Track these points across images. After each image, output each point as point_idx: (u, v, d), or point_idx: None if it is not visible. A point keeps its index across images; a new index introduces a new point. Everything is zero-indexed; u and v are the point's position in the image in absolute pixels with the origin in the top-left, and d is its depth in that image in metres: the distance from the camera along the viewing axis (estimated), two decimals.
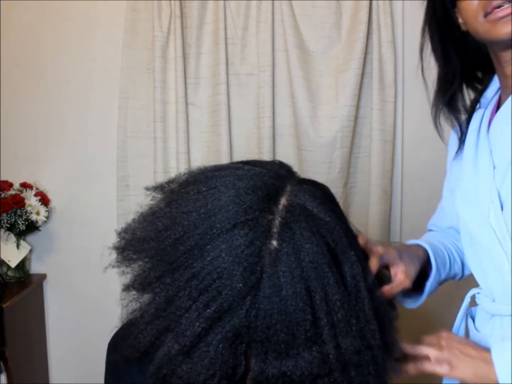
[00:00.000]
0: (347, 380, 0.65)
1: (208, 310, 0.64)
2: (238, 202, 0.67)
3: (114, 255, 0.75)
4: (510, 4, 0.75)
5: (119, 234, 0.75)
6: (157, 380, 0.67)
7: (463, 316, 0.96)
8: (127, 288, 0.72)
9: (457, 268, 1.05)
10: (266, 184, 0.69)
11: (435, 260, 0.97)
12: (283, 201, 0.68)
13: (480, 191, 0.87)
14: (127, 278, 0.73)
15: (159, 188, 0.76)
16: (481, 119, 0.92)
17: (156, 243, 0.69)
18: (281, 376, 0.64)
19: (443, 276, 1.01)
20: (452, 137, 1.00)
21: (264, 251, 0.65)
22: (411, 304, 1.02)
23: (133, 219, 0.75)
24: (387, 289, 0.84)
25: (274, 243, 0.65)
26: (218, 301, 0.64)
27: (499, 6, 0.76)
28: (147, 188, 0.77)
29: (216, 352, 0.64)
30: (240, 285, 0.63)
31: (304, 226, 0.66)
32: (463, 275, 1.07)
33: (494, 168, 0.86)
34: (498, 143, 0.86)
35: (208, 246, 0.65)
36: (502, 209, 0.83)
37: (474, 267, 0.93)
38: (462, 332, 0.96)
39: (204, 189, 0.70)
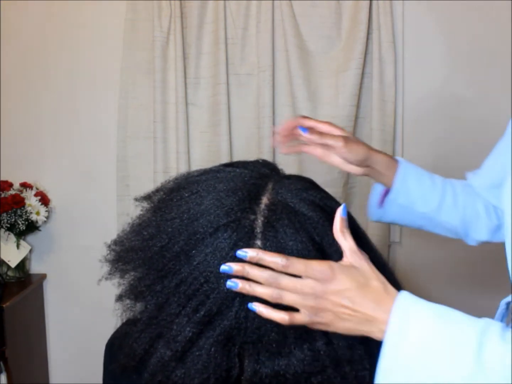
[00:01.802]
0: (341, 376, 0.65)
1: (197, 315, 0.64)
2: (219, 205, 0.67)
3: (107, 266, 0.76)
4: None
5: (108, 246, 0.75)
6: None
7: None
8: (119, 298, 0.73)
9: (452, 219, 0.98)
10: (247, 184, 0.69)
11: (404, 179, 0.93)
12: (264, 200, 0.68)
13: None
14: (120, 288, 0.74)
15: (147, 197, 0.77)
16: None
17: (143, 253, 0.70)
18: (275, 376, 0.64)
19: (421, 208, 0.95)
20: None
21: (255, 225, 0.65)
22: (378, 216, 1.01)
23: (122, 230, 0.76)
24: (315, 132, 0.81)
25: (258, 243, 0.65)
26: (207, 305, 0.64)
27: None
28: (136, 199, 0.77)
29: (208, 356, 0.64)
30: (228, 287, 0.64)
31: (287, 224, 0.65)
32: (467, 236, 0.99)
33: None
34: None
35: (193, 251, 0.65)
36: None
37: None
38: None
39: (186, 195, 0.70)
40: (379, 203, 0.99)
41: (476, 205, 1.01)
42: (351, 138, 0.89)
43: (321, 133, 0.86)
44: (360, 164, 0.91)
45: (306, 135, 0.84)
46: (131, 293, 0.71)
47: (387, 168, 0.93)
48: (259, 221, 0.66)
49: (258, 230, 0.65)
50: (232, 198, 0.67)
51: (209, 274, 0.64)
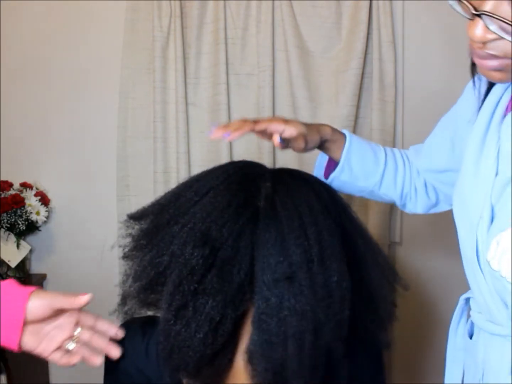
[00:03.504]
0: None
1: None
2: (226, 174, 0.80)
3: (117, 253, 0.80)
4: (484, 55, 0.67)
5: (127, 215, 0.84)
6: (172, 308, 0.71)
7: (459, 318, 0.88)
8: (134, 248, 0.79)
9: (390, 193, 1.03)
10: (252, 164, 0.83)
11: (348, 157, 0.98)
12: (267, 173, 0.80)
13: (475, 198, 0.74)
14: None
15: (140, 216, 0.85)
16: (498, 101, 0.77)
17: (161, 201, 0.81)
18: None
19: (362, 183, 1.01)
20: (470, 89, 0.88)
21: (260, 187, 0.76)
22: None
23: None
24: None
25: (268, 184, 0.76)
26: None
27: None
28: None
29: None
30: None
31: (293, 178, 0.79)
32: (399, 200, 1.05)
33: (496, 175, 0.72)
34: (508, 144, 0.71)
35: (211, 191, 0.75)
36: (490, 226, 0.71)
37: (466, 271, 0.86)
38: (460, 335, 0.88)
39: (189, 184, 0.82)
40: (323, 176, 1.03)
41: (416, 182, 1.04)
42: (299, 126, 0.92)
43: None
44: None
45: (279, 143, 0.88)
46: (145, 235, 0.79)
47: (331, 142, 0.98)
48: (267, 176, 0.78)
49: (268, 176, 0.77)
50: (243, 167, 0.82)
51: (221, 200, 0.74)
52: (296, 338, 0.68)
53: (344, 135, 0.99)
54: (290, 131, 0.87)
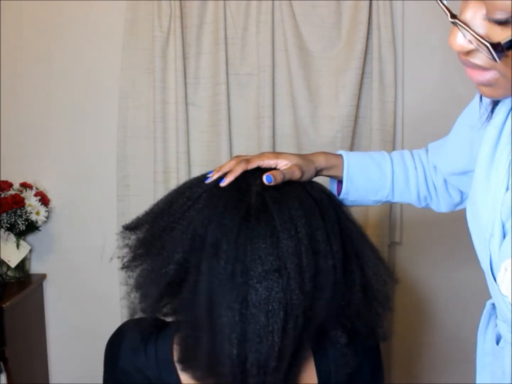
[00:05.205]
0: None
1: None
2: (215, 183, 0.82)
3: (116, 253, 0.82)
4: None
5: (123, 226, 0.84)
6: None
7: (487, 324, 0.85)
8: (133, 258, 0.80)
9: (406, 199, 1.04)
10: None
11: (350, 179, 0.98)
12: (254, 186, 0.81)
13: (486, 213, 0.71)
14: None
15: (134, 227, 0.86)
16: (509, 111, 0.72)
17: (155, 210, 0.83)
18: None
19: (373, 198, 1.01)
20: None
21: (251, 185, 0.79)
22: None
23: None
24: (274, 172, 0.82)
25: (258, 182, 0.80)
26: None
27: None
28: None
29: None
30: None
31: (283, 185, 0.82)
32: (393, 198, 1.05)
33: (507, 190, 0.68)
34: None
35: (204, 194, 0.78)
36: (501, 243, 0.68)
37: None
38: (488, 340, 0.84)
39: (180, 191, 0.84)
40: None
41: (434, 181, 1.03)
42: (292, 158, 0.92)
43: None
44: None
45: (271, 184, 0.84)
46: (143, 244, 0.81)
47: (329, 170, 0.98)
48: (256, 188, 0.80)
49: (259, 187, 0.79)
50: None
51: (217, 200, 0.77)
52: (283, 331, 0.69)
53: (339, 156, 1.00)
54: (282, 163, 0.89)
